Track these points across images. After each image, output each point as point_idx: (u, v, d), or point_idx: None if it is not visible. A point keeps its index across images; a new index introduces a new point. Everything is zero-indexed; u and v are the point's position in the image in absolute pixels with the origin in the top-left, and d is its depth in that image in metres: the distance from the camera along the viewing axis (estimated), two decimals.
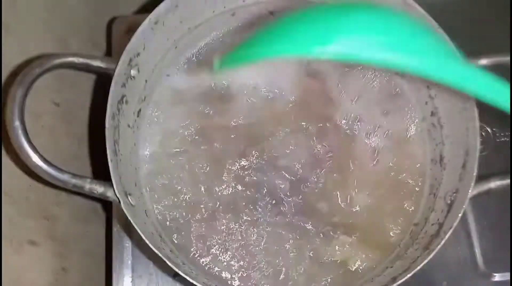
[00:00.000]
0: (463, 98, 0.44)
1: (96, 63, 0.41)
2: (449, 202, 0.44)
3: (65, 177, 0.39)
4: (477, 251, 0.52)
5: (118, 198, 0.39)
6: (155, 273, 0.49)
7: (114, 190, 0.39)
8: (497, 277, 0.51)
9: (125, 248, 0.50)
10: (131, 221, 0.39)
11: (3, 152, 0.43)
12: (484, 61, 0.44)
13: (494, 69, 0.44)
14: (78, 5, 0.55)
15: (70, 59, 0.40)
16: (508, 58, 0.43)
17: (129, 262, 0.50)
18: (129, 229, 0.50)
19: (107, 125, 0.40)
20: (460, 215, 0.41)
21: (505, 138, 0.56)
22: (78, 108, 0.55)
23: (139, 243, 0.50)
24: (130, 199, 0.41)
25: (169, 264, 0.38)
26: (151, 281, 0.49)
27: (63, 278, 0.48)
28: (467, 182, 0.42)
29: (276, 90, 0.51)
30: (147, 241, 0.39)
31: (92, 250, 0.55)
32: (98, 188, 0.40)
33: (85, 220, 0.55)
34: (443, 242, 0.40)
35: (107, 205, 0.57)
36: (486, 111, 0.54)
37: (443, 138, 0.48)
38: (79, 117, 0.55)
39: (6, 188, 0.44)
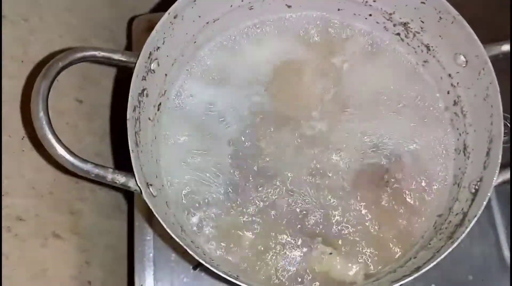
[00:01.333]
0: (486, 84, 0.43)
1: (117, 56, 0.42)
2: (473, 191, 0.43)
3: (88, 166, 0.39)
4: (503, 244, 0.51)
5: (139, 188, 0.40)
6: (176, 266, 0.50)
7: (135, 180, 0.40)
8: None
9: (146, 242, 0.51)
10: (153, 211, 0.39)
11: (30, 146, 0.44)
12: (506, 47, 0.43)
13: None
14: (98, 5, 0.56)
15: (92, 52, 0.41)
16: None
17: (151, 255, 0.50)
18: (151, 223, 0.51)
19: (128, 116, 0.41)
20: (485, 203, 0.40)
21: None
22: (100, 105, 0.56)
23: (160, 235, 0.50)
24: (151, 190, 0.42)
25: (190, 252, 0.38)
26: (172, 273, 0.50)
27: (86, 271, 0.49)
28: (492, 170, 0.41)
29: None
30: (168, 230, 0.39)
31: (115, 244, 0.55)
32: (120, 178, 0.40)
33: (108, 215, 0.56)
34: (467, 230, 0.39)
35: (129, 201, 0.57)
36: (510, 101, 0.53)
37: (466, 127, 0.47)
38: (102, 114, 0.56)
39: (32, 182, 0.45)
